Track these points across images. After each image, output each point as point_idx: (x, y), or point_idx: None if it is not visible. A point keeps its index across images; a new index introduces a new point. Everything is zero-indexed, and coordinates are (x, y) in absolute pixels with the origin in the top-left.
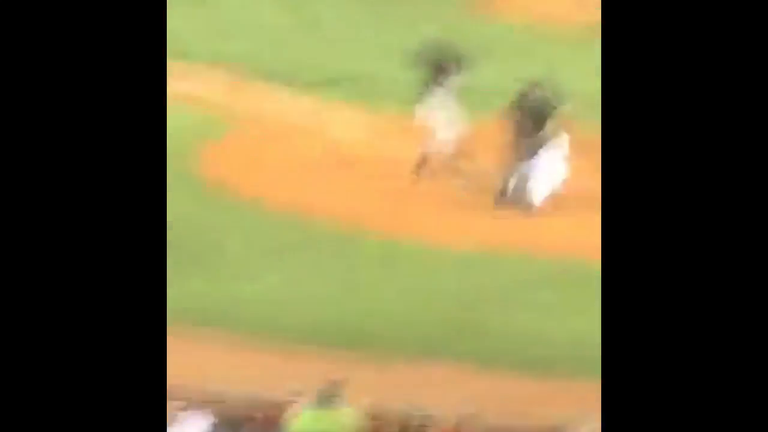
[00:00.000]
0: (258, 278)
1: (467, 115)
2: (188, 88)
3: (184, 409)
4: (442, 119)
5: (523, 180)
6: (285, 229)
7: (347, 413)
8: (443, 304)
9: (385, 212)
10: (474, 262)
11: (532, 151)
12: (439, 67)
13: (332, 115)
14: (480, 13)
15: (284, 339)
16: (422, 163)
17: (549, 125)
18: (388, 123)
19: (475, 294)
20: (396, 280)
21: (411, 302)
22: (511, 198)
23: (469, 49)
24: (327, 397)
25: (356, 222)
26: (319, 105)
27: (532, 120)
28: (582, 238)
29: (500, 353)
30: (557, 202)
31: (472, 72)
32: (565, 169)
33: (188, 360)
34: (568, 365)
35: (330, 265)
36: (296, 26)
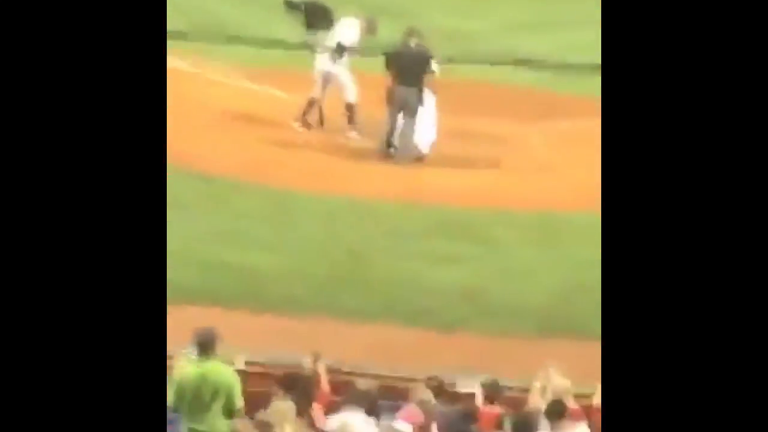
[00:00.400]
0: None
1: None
2: None
3: None
4: (333, 68)
5: (408, 131)
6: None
7: (224, 364)
8: (332, 254)
9: (275, 162)
10: (362, 211)
11: (413, 104)
12: (317, 14)
13: (213, 66)
14: None
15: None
16: (308, 109)
17: (425, 78)
18: (273, 74)
19: (359, 243)
20: (285, 230)
21: (301, 252)
22: (397, 149)
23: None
24: (205, 346)
25: (246, 172)
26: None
27: (408, 71)
28: (462, 188)
29: (386, 304)
30: (440, 156)
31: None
32: (434, 130)
33: None
34: (451, 316)
35: (212, 216)
36: None
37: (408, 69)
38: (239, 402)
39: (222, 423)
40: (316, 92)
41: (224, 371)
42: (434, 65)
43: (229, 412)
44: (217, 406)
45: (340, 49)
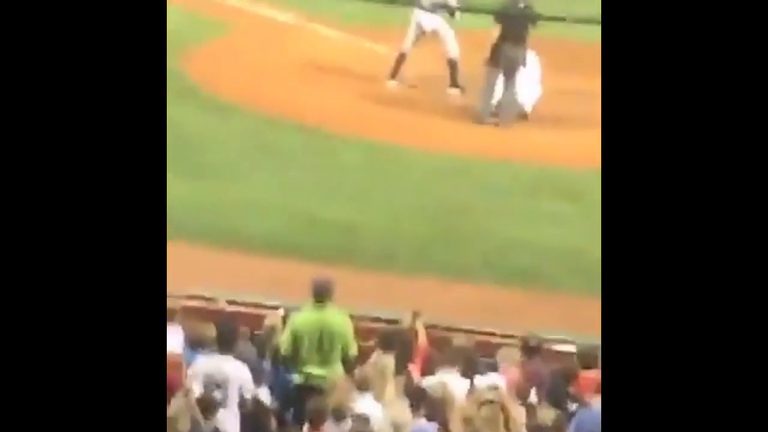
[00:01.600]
0: (244, 180)
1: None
2: None
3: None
4: (435, 24)
5: (511, 91)
6: (270, 133)
7: (340, 312)
8: (429, 212)
9: (375, 117)
10: (459, 170)
11: (517, 63)
12: None
13: (309, 25)
14: None
15: (271, 244)
16: (399, 64)
17: (528, 39)
18: (376, 29)
19: (459, 202)
20: (380, 187)
21: (396, 210)
22: (497, 108)
23: None
24: (322, 294)
25: (341, 127)
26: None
27: (513, 31)
28: (569, 149)
29: (484, 262)
30: (540, 115)
31: None
32: (539, 89)
33: (182, 265)
34: (553, 276)
35: (314, 170)
36: None
37: (514, 28)
38: (354, 349)
39: (339, 368)
40: (406, 47)
41: (341, 319)
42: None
43: (344, 359)
44: (336, 353)
45: (446, 6)
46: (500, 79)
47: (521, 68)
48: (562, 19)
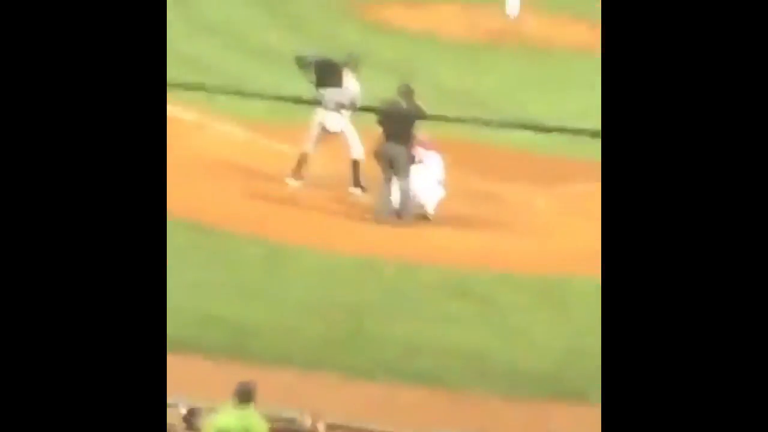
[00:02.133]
0: None
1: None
2: None
3: None
4: (338, 125)
5: (405, 191)
6: (176, 232)
7: (259, 416)
8: (328, 312)
9: (276, 216)
10: (360, 270)
11: (402, 162)
12: (328, 71)
13: (213, 124)
14: (365, 19)
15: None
16: (301, 164)
17: (415, 136)
18: (278, 128)
19: (360, 302)
20: (281, 286)
21: (294, 309)
22: (396, 208)
23: (354, 55)
24: (246, 397)
25: (240, 226)
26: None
27: (395, 131)
28: (472, 250)
29: (385, 364)
30: (443, 216)
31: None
32: (441, 190)
33: None
34: (455, 377)
35: (211, 269)
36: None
37: (396, 127)
38: None
39: None
40: (308, 147)
41: (262, 422)
42: (421, 124)
43: None
44: None
45: (347, 106)
46: (395, 181)
47: (413, 167)
48: (456, 120)
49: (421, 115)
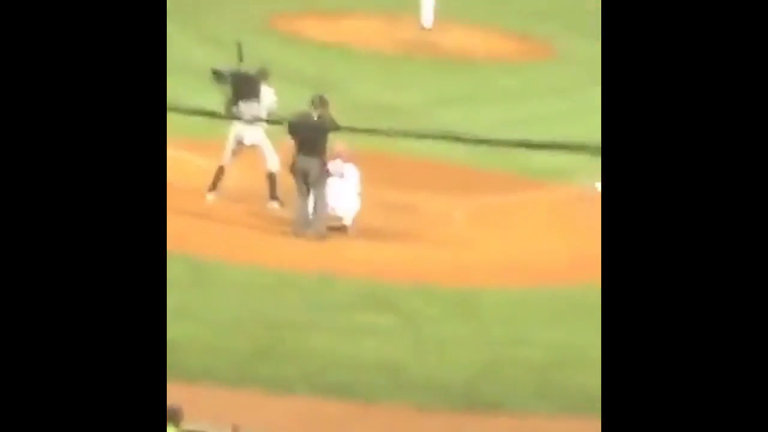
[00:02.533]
0: None
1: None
2: None
3: None
4: (253, 138)
5: (319, 203)
6: None
7: None
8: (248, 326)
9: (194, 231)
10: (279, 284)
11: (315, 174)
12: (244, 84)
13: None
14: (281, 31)
15: None
16: (219, 177)
17: (331, 148)
18: (194, 142)
19: (277, 316)
20: (202, 302)
21: (214, 324)
22: (311, 222)
23: (265, 67)
24: (170, 419)
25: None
26: None
27: (307, 143)
28: (389, 262)
29: (305, 376)
30: (360, 228)
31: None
32: (358, 202)
33: None
34: (371, 389)
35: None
36: None
37: (308, 139)
38: None
39: None
40: (225, 159)
41: None
42: (334, 135)
43: None
44: None
45: (258, 118)
46: (311, 193)
47: (330, 179)
48: (369, 131)
49: (334, 127)
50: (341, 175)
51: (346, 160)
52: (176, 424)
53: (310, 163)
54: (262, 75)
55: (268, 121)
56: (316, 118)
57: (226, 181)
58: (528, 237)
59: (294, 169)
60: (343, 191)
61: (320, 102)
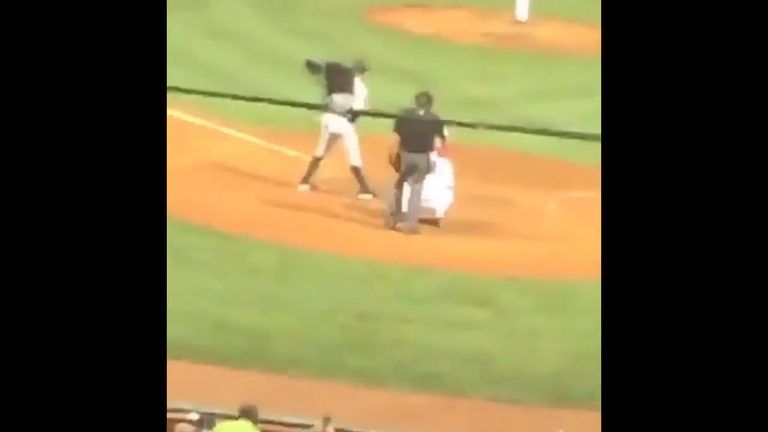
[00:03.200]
0: None
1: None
2: None
3: None
4: (342, 130)
5: (415, 198)
6: (180, 237)
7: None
8: (339, 317)
9: (286, 221)
10: (371, 275)
11: (421, 170)
12: (338, 75)
13: (225, 130)
14: (374, 23)
15: (180, 348)
16: (312, 169)
17: (434, 143)
18: (285, 133)
19: (369, 307)
20: (294, 292)
21: (306, 314)
22: (405, 215)
23: (362, 60)
24: (246, 413)
25: (257, 230)
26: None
27: (413, 139)
28: (480, 256)
29: (394, 367)
30: (452, 222)
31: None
32: (451, 195)
33: None
34: (463, 382)
35: (223, 275)
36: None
37: (416, 135)
38: None
39: None
40: (320, 151)
41: None
42: (445, 131)
43: None
44: None
45: (353, 113)
46: (407, 186)
47: (428, 175)
48: (470, 126)
49: (440, 126)
50: (434, 169)
51: (441, 154)
52: (253, 421)
53: (418, 159)
54: (359, 68)
55: (364, 113)
56: (422, 114)
57: (321, 173)
58: None
59: (398, 165)
60: (436, 184)
61: (427, 100)
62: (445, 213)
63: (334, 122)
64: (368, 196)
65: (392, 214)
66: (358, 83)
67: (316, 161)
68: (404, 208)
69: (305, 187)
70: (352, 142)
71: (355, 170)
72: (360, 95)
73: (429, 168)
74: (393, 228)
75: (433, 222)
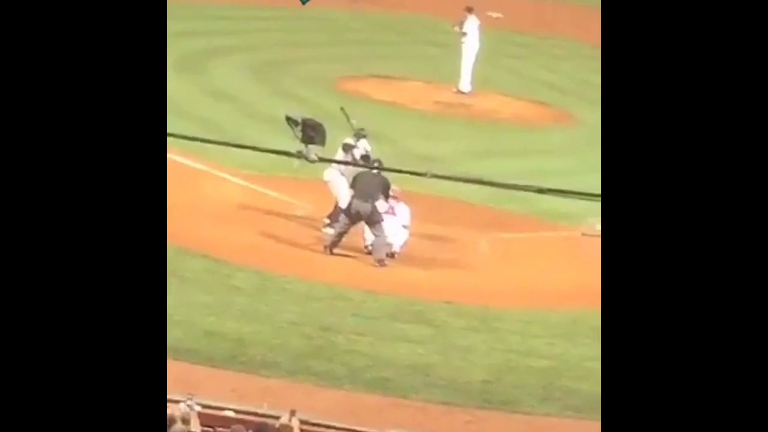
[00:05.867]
0: None
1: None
2: None
3: None
4: (335, 178)
5: (378, 236)
6: (179, 261)
7: None
8: (306, 330)
9: (266, 250)
10: (333, 297)
11: (372, 215)
12: (311, 128)
13: (219, 173)
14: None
15: (172, 350)
16: (335, 214)
17: (379, 195)
18: (264, 177)
19: (330, 322)
20: (267, 306)
21: (279, 325)
22: (373, 250)
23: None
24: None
25: (235, 258)
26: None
27: (364, 190)
28: (427, 284)
29: (350, 372)
30: (406, 255)
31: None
32: (406, 233)
33: None
34: (406, 386)
35: (216, 290)
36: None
37: (365, 188)
38: None
39: None
40: (343, 202)
41: None
42: (393, 185)
43: None
44: None
45: (321, 160)
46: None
47: (384, 218)
48: (421, 175)
49: (385, 182)
50: (394, 212)
51: (399, 199)
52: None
53: (364, 207)
54: (361, 133)
55: (359, 165)
56: (374, 173)
57: (296, 211)
58: (539, 267)
59: (348, 212)
60: (395, 224)
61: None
62: (402, 247)
63: (326, 173)
64: (331, 230)
65: (330, 244)
66: (363, 142)
67: (336, 208)
68: (367, 242)
69: (330, 230)
70: (343, 187)
71: (340, 210)
72: (363, 151)
73: (372, 213)
74: (331, 254)
75: (390, 255)
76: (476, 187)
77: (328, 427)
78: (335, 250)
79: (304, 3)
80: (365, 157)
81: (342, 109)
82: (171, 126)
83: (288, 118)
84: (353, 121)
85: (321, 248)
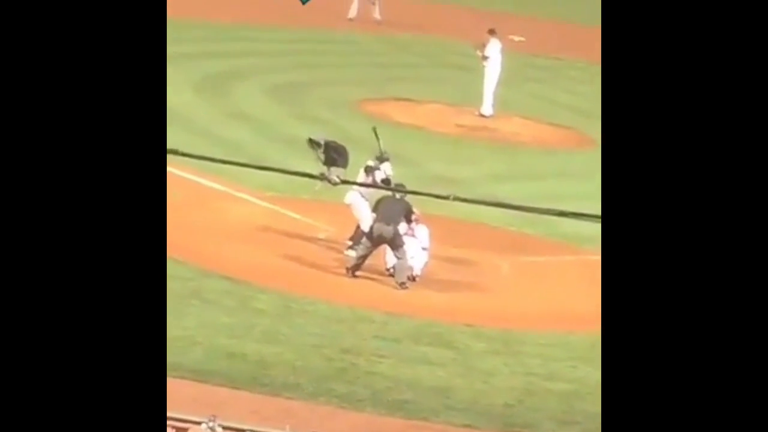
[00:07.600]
0: (178, 319)
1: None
2: None
3: None
4: (357, 201)
5: (400, 259)
6: (202, 282)
7: None
8: (327, 351)
9: (287, 271)
10: (355, 319)
11: (393, 239)
12: (334, 151)
13: (240, 195)
14: (367, 112)
15: (195, 371)
16: (357, 237)
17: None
18: (285, 200)
19: (352, 344)
20: (289, 328)
21: (301, 347)
22: (395, 273)
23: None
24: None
25: (257, 279)
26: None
27: (386, 214)
28: (447, 307)
29: (371, 394)
30: (427, 278)
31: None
32: (426, 255)
33: None
34: (428, 409)
35: (238, 312)
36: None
37: (388, 212)
38: None
39: None
40: (365, 226)
41: None
42: (414, 209)
43: None
44: None
45: (343, 182)
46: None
47: (405, 240)
48: (444, 198)
49: (408, 206)
50: (414, 235)
51: (419, 222)
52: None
53: (386, 230)
54: (384, 156)
55: (381, 187)
56: (398, 197)
57: (323, 233)
58: (560, 291)
59: (370, 235)
60: (416, 246)
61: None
62: (421, 270)
63: (348, 195)
64: (353, 253)
65: (352, 267)
66: (386, 165)
67: (359, 231)
68: (388, 264)
69: (353, 252)
70: (365, 211)
71: (361, 233)
72: (383, 174)
73: (394, 237)
74: (353, 276)
75: (411, 278)
76: (498, 210)
77: None
78: (357, 273)
79: (304, 3)
80: (386, 181)
81: (374, 129)
82: (194, 147)
83: (310, 141)
84: (382, 143)
85: (343, 271)
